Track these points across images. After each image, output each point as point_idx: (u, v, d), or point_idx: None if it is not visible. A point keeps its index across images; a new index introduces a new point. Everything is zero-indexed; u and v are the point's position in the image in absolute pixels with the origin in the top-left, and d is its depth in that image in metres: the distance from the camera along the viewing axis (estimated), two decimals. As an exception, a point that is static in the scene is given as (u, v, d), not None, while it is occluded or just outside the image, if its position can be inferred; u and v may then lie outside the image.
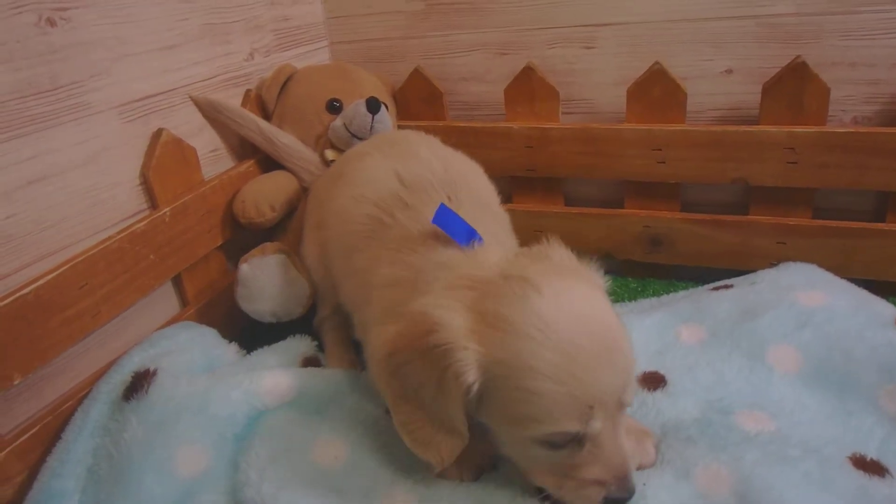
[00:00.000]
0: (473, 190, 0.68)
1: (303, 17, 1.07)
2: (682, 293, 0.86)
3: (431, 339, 0.50)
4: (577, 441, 0.50)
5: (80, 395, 0.69)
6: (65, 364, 0.70)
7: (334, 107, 0.96)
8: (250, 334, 0.84)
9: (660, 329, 0.75)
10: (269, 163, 0.96)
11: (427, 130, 0.83)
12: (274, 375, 0.68)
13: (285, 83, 0.98)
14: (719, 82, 0.93)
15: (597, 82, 0.99)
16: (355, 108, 0.93)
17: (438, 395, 0.51)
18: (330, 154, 0.95)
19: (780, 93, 0.86)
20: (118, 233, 0.74)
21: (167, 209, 0.80)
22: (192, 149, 0.85)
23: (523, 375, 0.49)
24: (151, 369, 0.67)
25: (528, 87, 0.97)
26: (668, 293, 0.89)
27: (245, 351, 0.79)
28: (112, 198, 0.75)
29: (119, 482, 0.59)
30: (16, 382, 0.63)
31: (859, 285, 0.77)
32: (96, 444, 0.63)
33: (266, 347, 0.79)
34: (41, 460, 0.64)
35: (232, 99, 0.94)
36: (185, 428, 0.62)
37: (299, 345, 0.79)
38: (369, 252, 0.65)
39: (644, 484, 0.55)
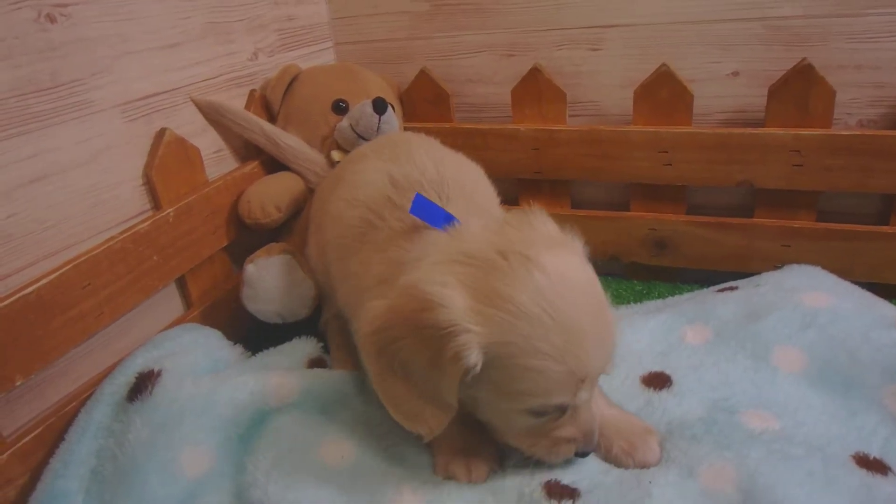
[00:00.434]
0: (468, 191, 0.68)
1: (307, 17, 1.07)
2: (686, 295, 0.86)
3: (427, 316, 0.49)
4: (561, 410, 0.53)
5: (84, 397, 0.68)
6: (68, 365, 0.69)
7: (340, 107, 0.95)
8: (256, 336, 0.83)
9: (665, 330, 0.75)
10: (273, 164, 0.96)
11: (433, 132, 0.83)
12: (279, 376, 0.68)
13: (290, 84, 0.98)
14: (726, 84, 0.93)
15: (603, 84, 0.99)
16: (361, 108, 0.93)
17: (432, 372, 0.51)
18: (336, 155, 0.94)
19: (786, 95, 0.86)
20: (121, 233, 0.74)
21: (171, 210, 0.79)
22: (196, 149, 0.85)
23: (527, 356, 0.49)
24: (155, 370, 0.66)
25: (535, 88, 0.97)
26: (673, 296, 0.89)
27: (250, 352, 0.78)
28: (114, 198, 0.75)
29: (123, 483, 0.58)
30: (17, 384, 0.62)
31: (864, 288, 0.77)
32: (100, 445, 0.63)
33: (271, 349, 0.78)
34: (44, 462, 0.63)
35: (236, 99, 0.93)
36: (189, 429, 0.61)
37: (305, 346, 0.79)
38: (361, 255, 0.65)
39: (650, 482, 0.55)
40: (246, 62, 0.95)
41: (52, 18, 0.66)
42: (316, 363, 0.77)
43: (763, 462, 0.55)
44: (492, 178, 0.75)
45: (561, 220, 0.58)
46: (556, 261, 0.51)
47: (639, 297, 0.93)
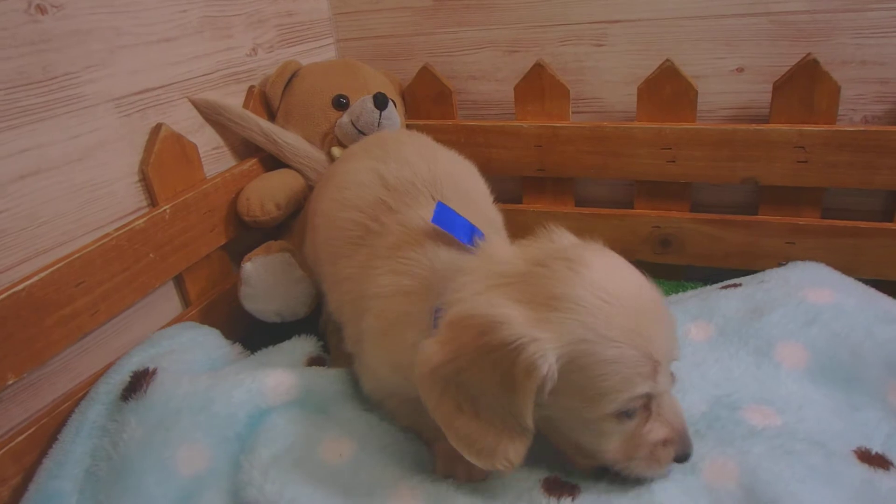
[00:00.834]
0: (461, 190, 0.67)
1: (308, 12, 1.06)
2: (690, 292, 0.86)
3: (489, 339, 0.48)
4: (645, 405, 0.52)
5: (79, 396, 0.67)
6: (63, 364, 0.68)
7: (341, 103, 0.94)
8: (255, 334, 0.82)
9: (670, 327, 0.75)
10: (272, 161, 0.94)
11: (436, 130, 0.81)
12: (277, 374, 0.67)
13: (290, 80, 0.97)
14: (730, 81, 0.92)
15: (607, 80, 0.98)
16: (362, 104, 0.92)
17: (504, 395, 0.49)
18: (337, 152, 0.93)
19: (791, 91, 0.85)
20: (116, 230, 0.72)
21: (167, 207, 0.78)
22: (193, 145, 0.84)
23: (600, 348, 0.48)
24: (151, 369, 0.65)
25: (538, 84, 0.96)
26: (677, 293, 0.88)
27: (249, 351, 0.78)
28: (109, 194, 0.73)
29: (119, 482, 0.58)
30: (9, 383, 0.61)
31: (868, 285, 0.76)
32: (94, 444, 0.62)
33: (270, 347, 0.77)
34: (37, 462, 0.62)
35: (234, 96, 0.92)
36: (186, 427, 0.60)
37: (304, 345, 0.78)
38: (357, 259, 0.64)
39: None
40: (244, 58, 0.94)
41: (42, 9, 0.65)
42: (315, 362, 0.76)
43: (765, 458, 0.56)
44: (494, 176, 0.74)
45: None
46: (597, 257, 0.52)
47: (642, 296, 0.93)
